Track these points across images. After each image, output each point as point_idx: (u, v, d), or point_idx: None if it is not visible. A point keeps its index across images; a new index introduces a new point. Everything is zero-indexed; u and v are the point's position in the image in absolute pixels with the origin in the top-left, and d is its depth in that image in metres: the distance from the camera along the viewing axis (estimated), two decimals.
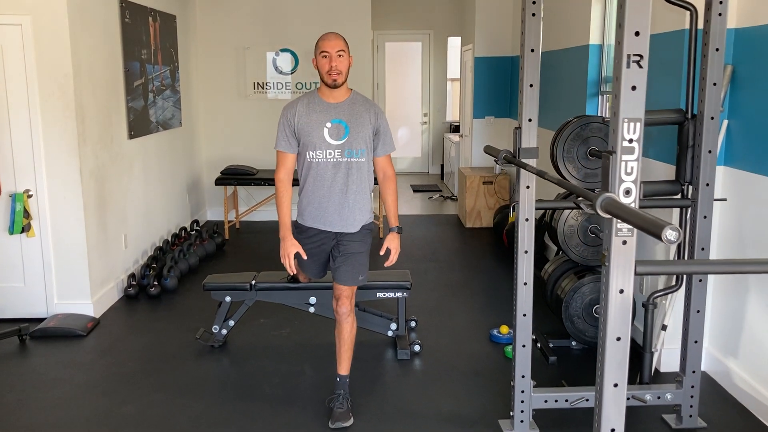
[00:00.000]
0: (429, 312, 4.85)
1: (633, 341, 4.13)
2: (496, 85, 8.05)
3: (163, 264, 5.61)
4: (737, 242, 3.44)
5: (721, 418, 3.32)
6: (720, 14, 2.93)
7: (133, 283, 5.19)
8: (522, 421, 3.22)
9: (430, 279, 5.69)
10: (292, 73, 7.73)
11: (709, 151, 3.03)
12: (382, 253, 3.36)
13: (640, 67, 1.92)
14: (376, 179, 3.39)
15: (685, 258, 3.17)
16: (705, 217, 3.09)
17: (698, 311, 3.16)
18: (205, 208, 7.86)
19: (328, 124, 3.17)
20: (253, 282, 4.20)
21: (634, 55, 1.92)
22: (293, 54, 7.69)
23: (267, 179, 7.02)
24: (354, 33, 7.63)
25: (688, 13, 3.10)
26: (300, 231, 3.39)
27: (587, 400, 3.23)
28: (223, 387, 3.78)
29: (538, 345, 4.21)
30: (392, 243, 3.34)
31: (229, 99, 7.76)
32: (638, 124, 1.94)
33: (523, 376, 3.19)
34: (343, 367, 3.42)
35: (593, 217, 4.05)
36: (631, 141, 1.95)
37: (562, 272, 4.24)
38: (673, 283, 3.38)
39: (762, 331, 3.32)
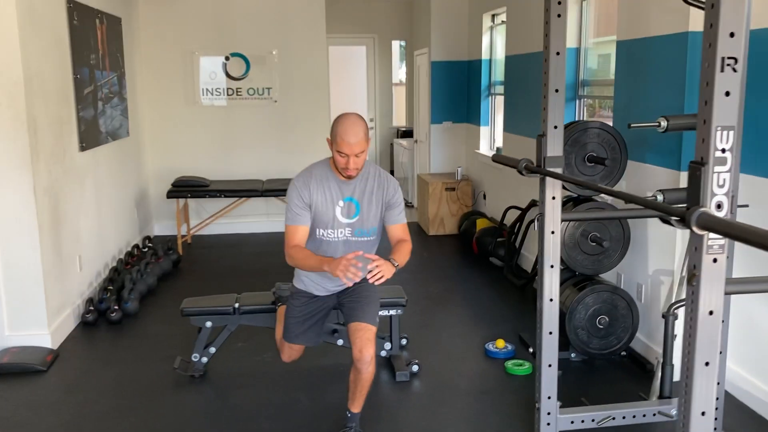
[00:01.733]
0: (416, 328, 4.63)
1: (639, 355, 4.05)
2: (454, 90, 7.93)
3: (120, 286, 5.19)
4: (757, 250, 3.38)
5: (744, 429, 3.24)
6: None
7: (91, 308, 4.75)
8: None
9: (408, 292, 5.42)
10: (243, 79, 7.38)
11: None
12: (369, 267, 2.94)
13: (735, 71, 1.77)
14: None
15: None
16: None
17: (723, 321, 3.06)
18: (152, 223, 7.40)
19: (341, 203, 3.01)
20: (237, 305, 3.88)
21: (729, 58, 1.77)
22: (244, 59, 7.34)
23: (222, 191, 6.65)
24: (308, 38, 7.38)
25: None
26: (297, 296, 3.23)
27: (613, 418, 3.09)
28: (212, 422, 3.45)
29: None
30: (381, 261, 2.85)
31: (176, 106, 7.33)
32: (732, 133, 1.78)
33: (549, 397, 3.01)
34: (357, 406, 3.17)
35: (590, 226, 3.94)
36: (723, 151, 1.79)
37: (560, 283, 4.10)
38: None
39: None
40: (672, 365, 3.35)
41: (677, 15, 3.57)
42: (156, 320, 4.86)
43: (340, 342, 3.98)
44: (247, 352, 4.24)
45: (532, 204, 5.68)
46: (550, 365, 2.99)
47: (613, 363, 4.01)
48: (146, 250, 6.18)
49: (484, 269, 6.07)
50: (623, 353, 4.03)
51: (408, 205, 9.27)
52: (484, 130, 7.43)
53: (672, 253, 3.73)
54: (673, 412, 3.11)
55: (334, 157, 2.92)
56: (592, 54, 5.07)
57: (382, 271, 2.78)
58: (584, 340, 3.89)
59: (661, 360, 3.43)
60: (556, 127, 2.81)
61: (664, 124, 2.95)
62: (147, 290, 5.34)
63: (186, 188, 6.64)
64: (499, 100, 7.31)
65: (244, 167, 7.46)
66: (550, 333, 2.97)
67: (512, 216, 6.06)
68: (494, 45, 7.25)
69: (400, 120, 11.56)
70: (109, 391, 3.77)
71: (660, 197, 2.97)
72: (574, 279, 4.04)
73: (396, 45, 11.27)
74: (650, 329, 3.97)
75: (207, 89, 7.33)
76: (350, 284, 2.83)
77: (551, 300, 2.94)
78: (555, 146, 2.83)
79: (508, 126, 6.45)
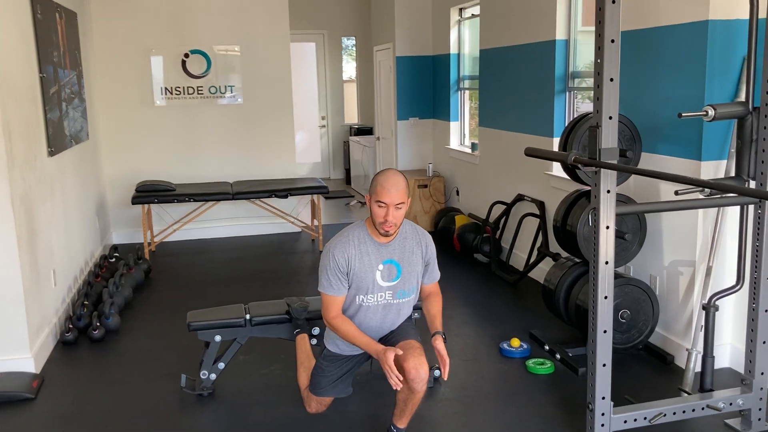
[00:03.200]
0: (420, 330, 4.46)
1: (657, 348, 4.02)
2: (419, 86, 7.81)
3: (95, 300, 4.82)
4: None
5: None
6: None
7: (71, 326, 4.38)
8: None
9: None
10: (204, 77, 7.03)
11: None
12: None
13: None
14: None
15: (752, 254, 3.04)
16: None
17: (766, 310, 3.05)
18: (110, 232, 6.96)
19: (380, 267, 2.86)
20: (248, 317, 3.63)
21: None
22: (205, 55, 6.99)
23: (190, 194, 6.30)
24: (272, 34, 7.11)
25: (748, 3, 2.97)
26: (330, 357, 3.08)
27: (664, 415, 3.03)
28: None
29: (558, 356, 3.98)
30: (440, 345, 2.85)
31: (132, 107, 6.91)
32: None
33: (603, 398, 2.92)
34: (404, 422, 3.02)
35: None
36: None
37: (575, 278, 4.04)
38: (735, 282, 3.26)
39: None
40: (713, 357, 3.32)
41: (694, 4, 3.54)
42: (141, 335, 4.53)
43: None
44: (253, 366, 3.99)
45: (518, 199, 5.62)
46: (604, 365, 2.90)
47: (633, 357, 3.97)
48: (113, 260, 5.79)
49: (470, 266, 5.97)
50: (640, 347, 4.00)
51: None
52: (454, 125, 7.34)
53: (693, 245, 3.71)
54: (721, 405, 3.07)
55: (372, 210, 2.78)
56: (582, 46, 5.04)
57: (446, 361, 2.83)
58: None
59: (700, 352, 3.40)
60: (611, 117, 2.71)
61: (711, 113, 2.90)
62: (124, 303, 4.99)
63: (152, 193, 6.25)
64: (469, 96, 7.24)
65: (209, 169, 7.12)
66: (605, 331, 2.87)
67: (497, 211, 5.99)
68: (462, 39, 7.17)
69: (351, 117, 11.37)
70: (111, 416, 3.45)
71: (707, 189, 2.92)
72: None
73: (349, 41, 11.07)
74: (667, 321, 3.95)
75: (165, 88, 6.95)
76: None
77: (605, 297, 2.84)
78: (610, 137, 2.72)
79: (483, 120, 6.37)
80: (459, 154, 7.04)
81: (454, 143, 7.33)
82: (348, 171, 10.79)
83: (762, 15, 2.92)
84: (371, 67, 10.58)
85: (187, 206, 6.81)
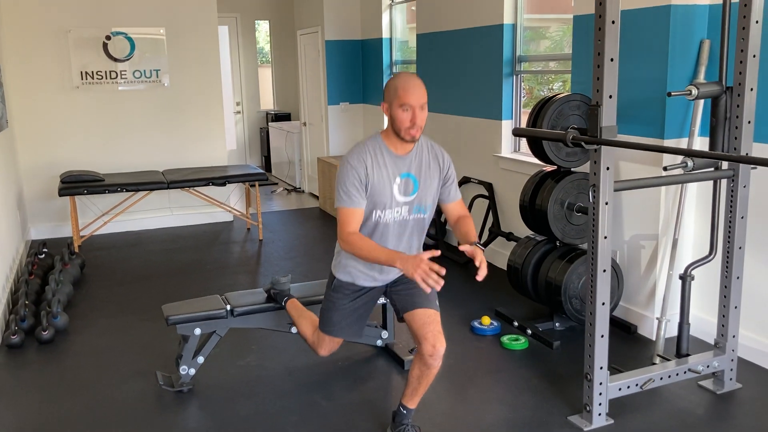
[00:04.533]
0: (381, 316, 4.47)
1: (620, 319, 4.20)
2: (349, 70, 7.75)
3: (34, 299, 4.50)
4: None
5: (748, 377, 3.49)
6: None
7: (16, 328, 4.06)
8: (600, 414, 3.08)
9: None
10: (127, 60, 6.66)
11: (749, 122, 3.12)
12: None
13: None
14: None
15: (724, 226, 3.24)
16: (744, 186, 3.19)
17: (738, 278, 3.27)
18: (29, 227, 6.50)
19: (398, 180, 2.73)
20: (229, 307, 3.50)
21: None
22: (128, 38, 6.63)
23: (121, 184, 5.97)
24: (199, 15, 6.85)
25: None
26: (341, 288, 2.93)
27: (653, 381, 3.19)
28: None
29: (529, 332, 4.10)
30: (479, 254, 2.64)
31: (50, 93, 6.46)
32: None
33: (601, 368, 3.03)
34: (414, 402, 2.96)
35: (575, 198, 4.02)
36: None
37: (542, 256, 4.16)
38: (708, 253, 3.46)
39: (760, 287, 3.54)
40: (688, 324, 3.52)
41: None
42: (94, 333, 4.27)
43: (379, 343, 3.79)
44: (227, 359, 3.85)
45: (464, 181, 5.71)
46: (602, 336, 3.01)
47: None
48: (43, 256, 5.41)
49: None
50: None
51: (299, 190, 8.98)
52: None
53: (656, 219, 3.91)
54: (700, 368, 3.27)
55: (396, 116, 2.62)
56: (528, 31, 5.16)
57: (483, 265, 2.57)
58: (577, 309, 3.98)
59: (669, 320, 3.59)
60: (611, 96, 2.80)
61: (694, 92, 3.05)
62: (67, 301, 4.69)
63: (80, 184, 5.88)
64: None
65: (135, 158, 6.77)
66: (603, 304, 2.98)
67: None
68: (394, 24, 7.18)
69: (266, 103, 11.14)
70: (86, 422, 3.23)
71: (690, 163, 3.09)
72: (558, 251, 4.10)
73: (263, 25, 10.81)
74: (629, 293, 4.15)
75: (86, 72, 6.53)
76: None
77: (604, 271, 2.95)
78: (609, 116, 2.82)
79: (447, 106, 6.40)
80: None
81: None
82: (267, 158, 10.57)
83: (734, 0, 3.10)
84: (287, 52, 10.41)
85: (114, 197, 6.46)
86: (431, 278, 2.41)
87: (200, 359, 3.51)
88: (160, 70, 6.78)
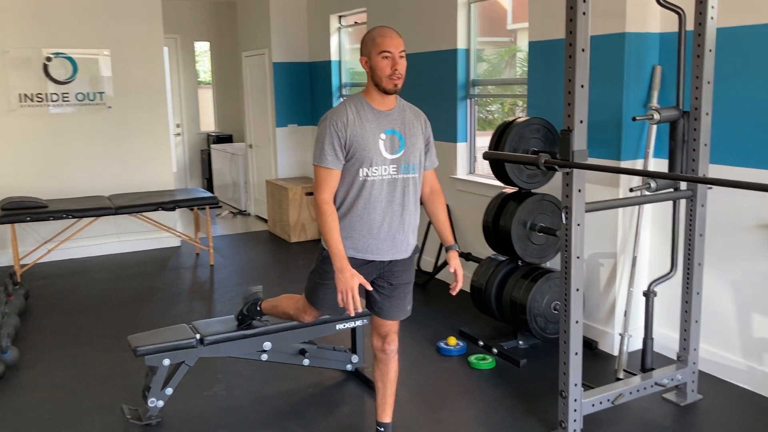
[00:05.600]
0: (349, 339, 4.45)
1: (584, 337, 4.30)
2: (297, 93, 7.74)
3: None
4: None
5: (708, 389, 3.63)
6: (712, 18, 3.18)
7: None
8: (575, 431, 3.14)
9: None
10: (70, 82, 6.47)
11: (705, 145, 3.28)
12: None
13: None
14: None
15: (684, 244, 3.39)
16: (702, 205, 3.35)
17: (698, 293, 3.42)
18: None
19: (383, 135, 2.67)
20: (198, 336, 3.42)
21: None
22: (70, 60, 6.44)
23: (67, 211, 5.76)
24: (144, 37, 6.73)
25: (676, 16, 3.30)
26: (330, 260, 2.79)
27: (623, 395, 3.28)
28: None
29: (495, 351, 4.16)
30: (455, 262, 2.86)
31: None
32: None
33: (576, 384, 3.11)
34: (388, 414, 2.98)
35: (537, 218, 4.12)
36: None
37: (505, 275, 4.23)
38: (669, 270, 3.60)
39: (716, 302, 3.71)
40: (652, 339, 3.64)
41: (613, 17, 3.87)
42: (47, 368, 4.09)
43: (306, 362, 3.73)
44: (193, 390, 3.75)
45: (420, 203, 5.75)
46: (576, 353, 3.08)
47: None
48: None
49: None
50: None
51: (245, 213, 8.87)
52: None
53: (614, 238, 4.05)
54: (665, 381, 3.39)
55: (377, 65, 2.60)
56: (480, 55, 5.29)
57: (460, 279, 2.86)
58: (542, 326, 4.06)
59: (631, 335, 3.71)
60: (581, 121, 2.90)
61: (656, 116, 3.19)
62: (15, 334, 4.48)
63: (22, 210, 5.64)
64: None
65: (78, 183, 6.55)
66: (576, 322, 3.06)
67: None
68: (343, 47, 7.22)
69: (207, 125, 10.97)
70: None
71: (653, 184, 3.22)
72: (521, 270, 4.19)
73: (202, 46, 10.68)
74: (589, 309, 4.26)
75: (25, 95, 6.30)
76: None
77: (578, 290, 3.03)
78: (581, 140, 2.92)
79: None
80: None
81: None
82: (209, 180, 10.40)
83: (689, 28, 3.26)
84: (229, 73, 10.31)
85: (57, 224, 6.22)
86: (348, 304, 2.58)
87: (169, 390, 3.41)
88: (103, 93, 6.60)
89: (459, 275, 2.84)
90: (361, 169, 2.66)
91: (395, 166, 2.71)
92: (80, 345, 4.42)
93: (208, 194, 6.46)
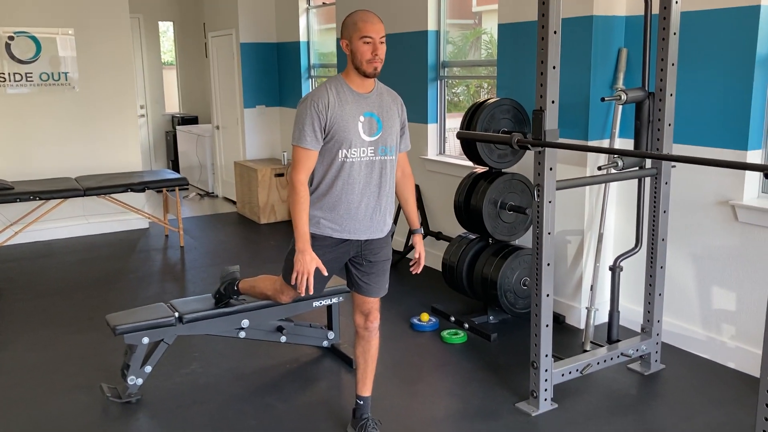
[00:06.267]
0: (324, 317, 4.52)
1: (556, 314, 4.44)
2: (265, 73, 7.72)
3: None
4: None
5: (670, 359, 3.80)
6: (677, 2, 3.29)
7: None
8: (546, 399, 3.27)
9: None
10: (33, 62, 6.36)
11: (669, 125, 3.41)
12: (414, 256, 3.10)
13: None
14: None
15: (649, 220, 3.53)
16: (666, 183, 3.49)
17: (661, 267, 3.57)
18: None
19: (362, 118, 2.74)
20: (177, 314, 3.45)
21: None
22: (34, 39, 6.32)
23: (35, 192, 5.69)
24: (110, 15, 6.64)
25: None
26: (315, 241, 2.86)
27: (591, 366, 3.43)
28: None
29: (466, 326, 4.27)
30: (420, 246, 3.08)
31: None
32: None
33: (546, 355, 3.23)
34: (368, 388, 3.06)
35: (507, 197, 4.22)
36: None
37: (476, 253, 4.34)
38: (634, 245, 3.74)
39: (679, 276, 3.87)
40: (618, 312, 3.79)
41: (580, 1, 3.97)
42: (20, 349, 4.07)
43: (283, 339, 3.79)
44: (171, 368, 3.78)
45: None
46: (547, 325, 3.21)
47: (528, 320, 4.37)
48: None
49: None
50: None
51: (212, 195, 8.84)
52: None
53: (581, 215, 4.18)
54: (630, 352, 3.54)
55: (357, 49, 2.65)
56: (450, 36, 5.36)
57: (422, 261, 3.07)
58: (512, 302, 4.19)
59: (598, 309, 3.85)
60: (553, 101, 3.00)
61: (624, 97, 3.31)
62: None
63: None
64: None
65: (44, 164, 6.47)
66: (548, 295, 3.18)
67: None
68: (311, 27, 7.22)
69: (171, 106, 10.85)
70: None
71: (620, 163, 3.34)
72: (491, 248, 4.30)
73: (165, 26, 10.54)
74: (556, 285, 4.39)
75: None
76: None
77: (548, 264, 3.15)
78: (552, 120, 3.01)
79: None
80: None
81: None
82: (174, 162, 10.31)
83: (655, 11, 3.38)
84: (193, 54, 10.21)
85: (23, 206, 6.14)
86: (302, 285, 2.72)
87: (148, 368, 3.44)
88: (68, 73, 6.50)
89: (422, 257, 3.06)
90: (340, 151, 2.73)
91: (373, 148, 2.78)
92: (53, 327, 4.41)
93: (177, 175, 6.44)
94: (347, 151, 2.73)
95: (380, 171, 2.81)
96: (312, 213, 2.83)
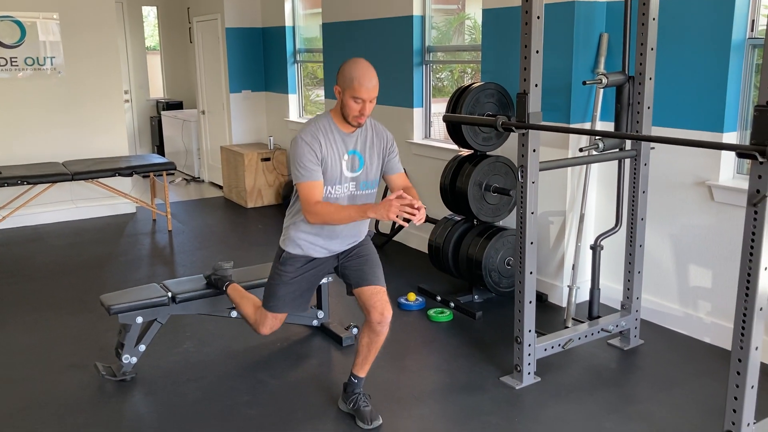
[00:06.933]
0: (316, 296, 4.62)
1: (539, 292, 4.56)
2: (250, 58, 7.75)
3: None
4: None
5: (648, 335, 3.94)
6: None
7: None
8: (529, 373, 3.40)
9: None
10: (18, 46, 6.35)
11: (648, 107, 3.52)
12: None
13: None
14: None
15: (628, 200, 3.65)
16: (645, 164, 3.60)
17: (640, 246, 3.69)
18: None
19: (346, 156, 2.91)
20: (170, 294, 3.53)
21: None
22: (18, 23, 6.32)
23: (23, 177, 5.72)
24: None
25: None
26: (291, 261, 3.05)
27: (572, 341, 3.55)
28: (189, 422, 3.14)
29: (452, 305, 4.39)
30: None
31: None
32: None
33: (530, 331, 3.35)
34: (365, 370, 3.15)
35: (491, 180, 4.32)
36: None
37: (461, 234, 4.44)
38: (614, 225, 3.86)
39: (657, 254, 4.01)
40: (599, 290, 3.91)
41: None
42: (13, 332, 4.13)
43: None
44: (164, 347, 3.86)
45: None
46: (530, 302, 3.32)
47: (512, 298, 4.49)
48: None
49: None
50: None
51: (198, 180, 8.87)
52: (293, 98, 7.43)
53: (563, 196, 4.30)
54: (611, 327, 3.67)
55: (347, 103, 2.78)
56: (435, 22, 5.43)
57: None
58: (496, 281, 4.30)
59: (579, 287, 3.98)
60: (536, 85, 3.09)
61: (605, 80, 3.41)
62: None
63: None
64: (303, 69, 7.36)
65: (30, 149, 6.48)
66: (531, 273, 3.29)
67: None
68: (297, 12, 7.25)
69: (156, 91, 10.84)
70: (28, 418, 3.18)
71: (601, 145, 3.45)
72: (476, 229, 4.41)
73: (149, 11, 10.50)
74: (539, 264, 4.50)
75: None
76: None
77: (532, 243, 3.26)
78: (535, 103, 3.11)
79: (330, 93, 6.56)
80: (299, 126, 7.16)
81: (293, 116, 7.42)
82: (159, 147, 10.32)
83: None
84: (177, 39, 10.20)
85: (10, 191, 6.16)
86: (406, 212, 2.61)
87: (142, 347, 3.52)
88: (54, 58, 6.51)
89: (422, 209, 2.76)
90: (326, 187, 2.89)
91: (354, 183, 2.96)
92: (45, 309, 4.46)
93: (165, 160, 6.48)
94: (332, 188, 2.91)
95: (362, 204, 2.94)
96: (295, 235, 3.03)
